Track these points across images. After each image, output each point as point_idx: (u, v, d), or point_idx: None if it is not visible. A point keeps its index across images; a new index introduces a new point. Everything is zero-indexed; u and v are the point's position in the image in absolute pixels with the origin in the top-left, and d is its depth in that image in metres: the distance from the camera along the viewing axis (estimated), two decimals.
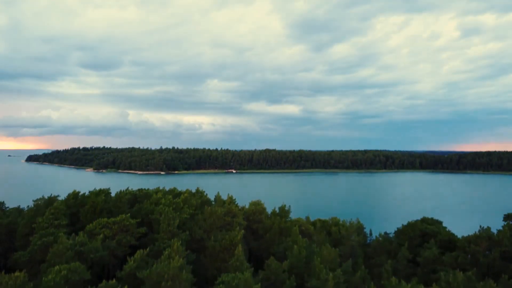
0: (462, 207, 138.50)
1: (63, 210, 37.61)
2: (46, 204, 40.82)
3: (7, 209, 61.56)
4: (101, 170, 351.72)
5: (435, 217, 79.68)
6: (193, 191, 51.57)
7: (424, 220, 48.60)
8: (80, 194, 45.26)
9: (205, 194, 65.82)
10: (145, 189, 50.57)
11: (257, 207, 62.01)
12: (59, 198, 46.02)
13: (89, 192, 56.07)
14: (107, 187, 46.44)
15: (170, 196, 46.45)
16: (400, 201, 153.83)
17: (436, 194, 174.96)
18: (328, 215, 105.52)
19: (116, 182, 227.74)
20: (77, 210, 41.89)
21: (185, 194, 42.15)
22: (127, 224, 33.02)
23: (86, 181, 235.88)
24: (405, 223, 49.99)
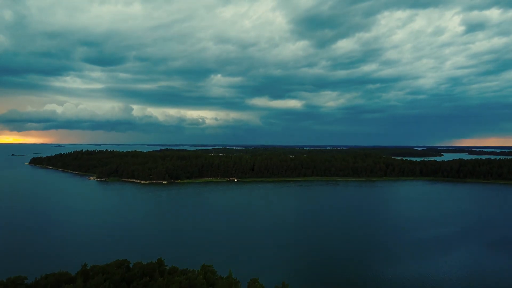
0: (466, 240, 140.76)
1: None
2: None
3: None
4: (104, 179, 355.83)
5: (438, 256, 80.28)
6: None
7: None
8: None
9: (213, 269, 69.18)
10: None
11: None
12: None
13: None
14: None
15: None
16: (398, 229, 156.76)
17: (438, 223, 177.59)
18: (325, 243, 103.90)
19: (120, 198, 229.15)
20: None
21: None
22: None
23: (90, 196, 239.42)
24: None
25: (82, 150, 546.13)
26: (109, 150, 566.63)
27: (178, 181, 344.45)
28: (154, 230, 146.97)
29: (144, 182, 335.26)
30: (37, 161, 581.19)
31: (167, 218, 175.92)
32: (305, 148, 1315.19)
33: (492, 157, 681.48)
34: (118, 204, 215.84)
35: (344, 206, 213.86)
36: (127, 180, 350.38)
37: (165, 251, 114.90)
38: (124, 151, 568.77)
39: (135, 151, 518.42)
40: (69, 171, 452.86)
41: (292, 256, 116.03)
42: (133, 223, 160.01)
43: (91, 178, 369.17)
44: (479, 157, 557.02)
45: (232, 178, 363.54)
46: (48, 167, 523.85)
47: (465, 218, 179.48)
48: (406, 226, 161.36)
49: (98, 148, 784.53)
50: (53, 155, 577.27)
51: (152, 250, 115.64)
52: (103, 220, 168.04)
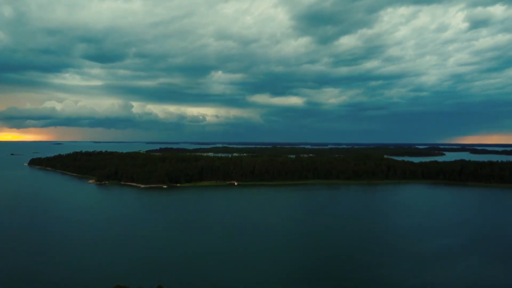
0: (469, 252, 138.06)
1: None
2: None
3: None
4: (103, 182, 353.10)
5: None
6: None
7: None
8: None
9: None
10: None
11: None
12: None
13: None
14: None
15: None
16: (398, 239, 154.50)
17: (438, 232, 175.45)
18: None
19: (120, 206, 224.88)
20: None
21: None
22: None
23: (90, 204, 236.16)
24: None
25: (82, 151, 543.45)
26: (108, 150, 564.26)
27: (178, 184, 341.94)
28: (153, 246, 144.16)
29: (143, 186, 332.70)
30: (36, 162, 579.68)
31: (167, 231, 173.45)
32: (306, 147, 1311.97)
33: (494, 156, 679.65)
34: (117, 214, 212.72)
35: (345, 216, 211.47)
36: (127, 183, 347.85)
37: (164, 271, 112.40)
38: (124, 149, 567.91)
39: (135, 152, 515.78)
40: (68, 173, 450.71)
41: (296, 273, 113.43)
42: (132, 237, 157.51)
43: (90, 181, 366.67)
44: (480, 157, 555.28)
45: (232, 182, 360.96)
46: (47, 168, 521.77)
47: (468, 228, 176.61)
48: (406, 236, 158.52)
49: (97, 146, 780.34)
50: (52, 155, 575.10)
51: (151, 270, 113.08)
52: (102, 234, 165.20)
